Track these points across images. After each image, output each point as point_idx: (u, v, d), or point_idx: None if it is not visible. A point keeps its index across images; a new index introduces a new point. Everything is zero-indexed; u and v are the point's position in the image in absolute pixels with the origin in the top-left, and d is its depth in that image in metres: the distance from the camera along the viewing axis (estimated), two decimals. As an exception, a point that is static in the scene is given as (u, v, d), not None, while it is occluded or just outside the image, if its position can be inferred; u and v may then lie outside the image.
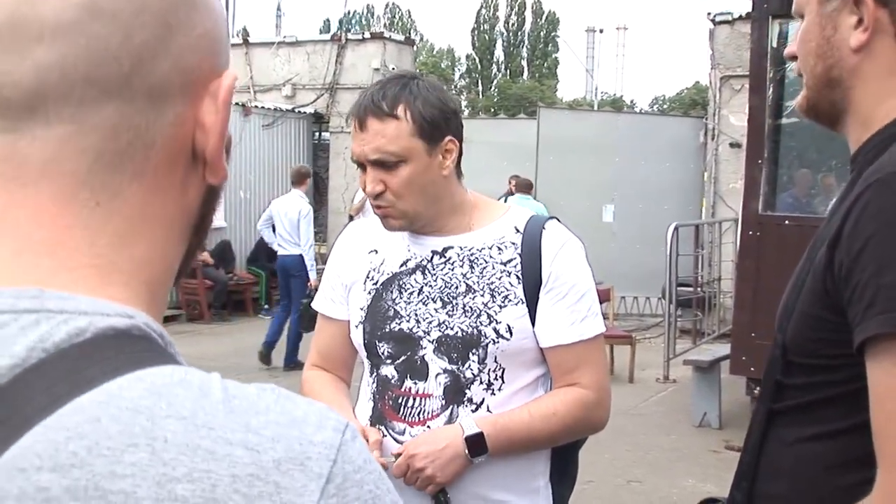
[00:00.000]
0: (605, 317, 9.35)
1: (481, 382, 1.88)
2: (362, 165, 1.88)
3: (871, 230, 1.11)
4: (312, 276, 8.88)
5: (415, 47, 16.12)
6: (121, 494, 0.49)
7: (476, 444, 1.82)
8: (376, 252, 2.00)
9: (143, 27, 0.59)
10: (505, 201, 8.56)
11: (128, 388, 0.52)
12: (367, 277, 1.99)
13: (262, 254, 13.09)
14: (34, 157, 0.58)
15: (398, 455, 1.85)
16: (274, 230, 9.27)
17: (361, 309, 1.97)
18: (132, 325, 0.56)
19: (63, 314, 0.54)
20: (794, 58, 1.38)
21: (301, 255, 8.97)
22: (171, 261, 0.65)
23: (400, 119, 1.83)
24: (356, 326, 1.98)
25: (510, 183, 11.85)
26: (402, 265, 1.96)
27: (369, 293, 1.97)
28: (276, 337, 9.19)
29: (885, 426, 1.09)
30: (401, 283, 1.94)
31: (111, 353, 0.54)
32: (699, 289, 11.09)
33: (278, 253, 9.37)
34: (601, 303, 9.81)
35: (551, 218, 1.99)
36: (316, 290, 7.96)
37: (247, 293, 13.09)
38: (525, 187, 11.24)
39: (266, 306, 13.00)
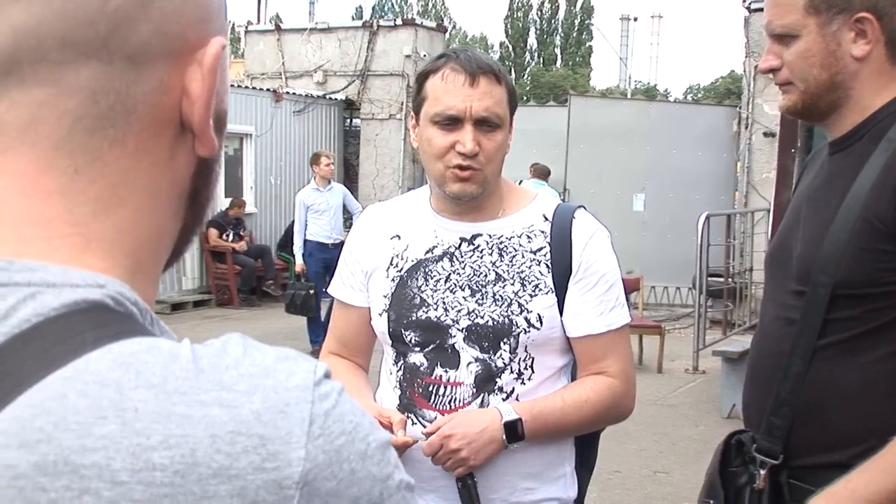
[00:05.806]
0: (634, 306, 9.37)
1: (512, 371, 1.86)
2: (453, 122, 1.81)
3: None
4: (298, 259, 9.60)
5: (447, 34, 16.07)
6: (94, 468, 0.48)
7: (513, 430, 1.81)
8: (399, 238, 1.97)
9: None
10: (520, 184, 8.51)
11: (95, 362, 0.51)
12: (391, 264, 1.95)
13: (292, 240, 13.13)
14: (12, 121, 0.57)
15: (429, 434, 1.82)
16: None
17: (385, 296, 1.94)
18: (103, 295, 0.55)
19: (30, 287, 0.53)
20: (771, 71, 1.68)
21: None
22: (158, 231, 0.63)
23: (502, 86, 1.84)
24: (380, 314, 1.95)
25: (531, 171, 11.78)
26: (427, 252, 1.93)
27: (393, 280, 1.94)
28: None
29: None
30: (427, 270, 1.91)
31: (80, 328, 0.52)
32: (730, 279, 11.02)
33: None
34: (630, 292, 9.72)
35: (579, 206, 1.97)
36: (302, 274, 8.15)
37: (276, 279, 13.11)
38: (543, 174, 11.17)
39: (295, 292, 13.03)
